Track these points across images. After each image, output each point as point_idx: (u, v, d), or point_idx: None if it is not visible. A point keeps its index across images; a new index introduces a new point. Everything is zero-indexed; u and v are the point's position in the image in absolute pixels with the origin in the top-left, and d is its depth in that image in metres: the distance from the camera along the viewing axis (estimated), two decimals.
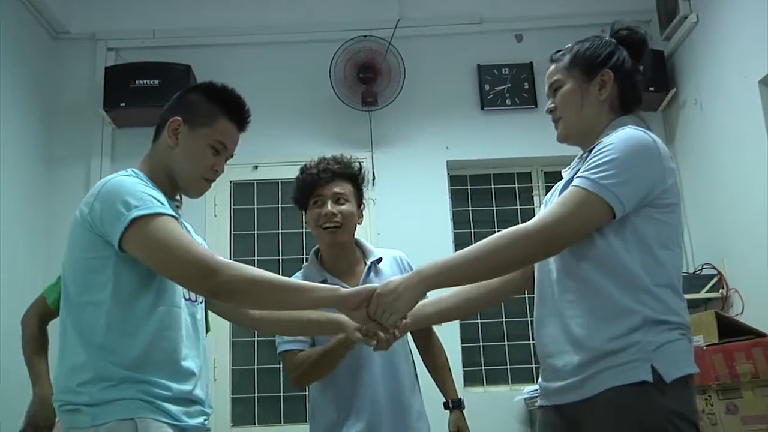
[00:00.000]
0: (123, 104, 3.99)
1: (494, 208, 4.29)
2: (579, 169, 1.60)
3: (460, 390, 3.69)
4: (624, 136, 1.56)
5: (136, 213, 1.51)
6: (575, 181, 1.55)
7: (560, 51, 1.75)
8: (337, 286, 1.72)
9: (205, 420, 1.65)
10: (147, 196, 1.55)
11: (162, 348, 1.56)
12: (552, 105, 1.72)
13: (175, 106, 1.71)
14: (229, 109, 1.72)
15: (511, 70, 4.30)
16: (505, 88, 4.28)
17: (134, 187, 1.56)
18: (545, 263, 1.68)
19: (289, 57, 4.36)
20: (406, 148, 4.22)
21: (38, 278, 3.73)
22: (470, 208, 4.28)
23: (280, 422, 3.94)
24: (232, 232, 4.17)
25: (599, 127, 1.66)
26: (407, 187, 4.12)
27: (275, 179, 4.24)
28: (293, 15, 4.36)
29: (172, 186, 1.69)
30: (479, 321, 4.09)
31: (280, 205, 4.23)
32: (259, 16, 4.35)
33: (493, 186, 4.34)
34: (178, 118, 1.67)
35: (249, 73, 4.28)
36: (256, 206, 4.21)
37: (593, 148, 1.60)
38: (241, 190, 4.23)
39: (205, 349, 1.73)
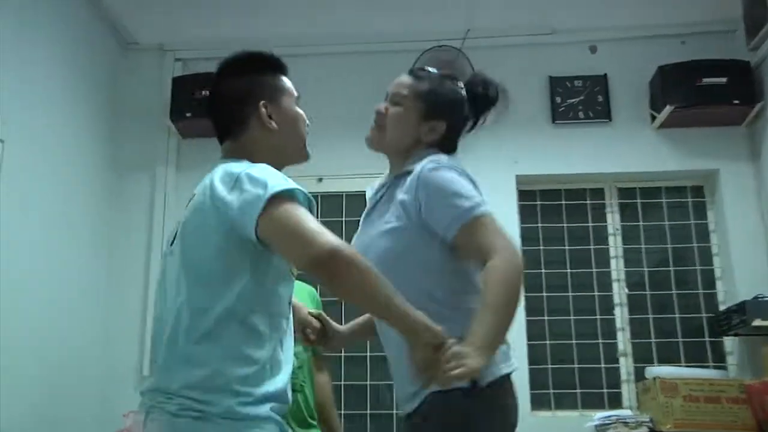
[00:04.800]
0: (189, 114, 3.99)
1: (565, 225, 4.14)
2: (398, 192, 1.73)
3: (528, 413, 3.68)
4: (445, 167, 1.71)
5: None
6: (473, 213, 1.64)
7: (423, 71, 1.86)
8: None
9: None
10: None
11: (279, 360, 1.52)
12: (384, 110, 1.82)
13: (242, 98, 1.68)
14: (277, 68, 1.76)
15: (584, 82, 4.16)
16: (577, 100, 4.14)
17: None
18: None
19: (356, 67, 4.29)
20: (472, 162, 3.80)
21: (101, 280, 3.84)
22: (540, 225, 4.15)
23: None
24: None
25: (407, 154, 1.80)
26: None
27: (340, 192, 4.18)
28: (361, 25, 4.28)
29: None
30: (548, 342, 3.95)
31: (344, 219, 4.16)
32: (326, 26, 4.29)
33: (564, 202, 4.19)
34: (264, 105, 1.67)
35: (315, 83, 4.13)
36: (320, 219, 4.09)
37: (405, 175, 1.73)
38: None
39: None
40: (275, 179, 1.47)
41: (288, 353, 1.57)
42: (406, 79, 1.85)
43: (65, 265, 3.53)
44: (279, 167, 1.63)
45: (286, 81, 1.75)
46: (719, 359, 3.84)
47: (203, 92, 3.87)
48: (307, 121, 1.76)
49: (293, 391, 2.29)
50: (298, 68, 4.15)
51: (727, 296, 3.85)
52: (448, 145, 1.85)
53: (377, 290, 1.44)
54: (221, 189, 1.48)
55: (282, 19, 4.29)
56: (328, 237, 1.40)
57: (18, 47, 3.21)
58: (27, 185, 3.21)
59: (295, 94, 1.75)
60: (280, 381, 1.51)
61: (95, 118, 3.97)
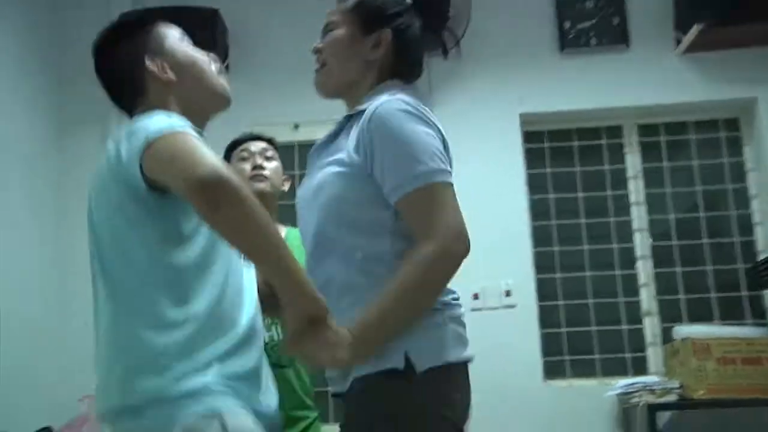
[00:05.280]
0: None
1: (578, 169, 3.94)
2: (351, 132, 1.56)
3: (540, 383, 3.62)
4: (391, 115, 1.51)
5: None
6: (424, 180, 1.45)
7: None
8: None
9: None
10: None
11: (223, 316, 1.45)
12: (319, 45, 1.71)
13: (127, 65, 1.63)
14: (147, 23, 1.68)
15: (596, 2, 3.88)
16: (589, 24, 3.89)
17: None
18: None
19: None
20: (471, 101, 3.87)
21: (47, 249, 3.66)
22: (548, 170, 3.95)
23: None
24: None
25: (362, 87, 1.65)
26: (473, 146, 3.70)
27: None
28: None
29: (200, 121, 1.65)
30: (561, 302, 3.82)
31: None
32: None
33: (576, 143, 3.98)
34: (151, 61, 1.61)
35: (286, 19, 3.95)
36: (297, 171, 3.87)
37: (359, 114, 1.55)
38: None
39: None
40: (162, 119, 1.44)
41: (244, 309, 1.48)
42: (332, 8, 1.75)
43: (5, 233, 3.30)
44: (202, 120, 1.64)
45: (164, 27, 1.68)
46: (759, 315, 3.70)
47: None
48: (214, 56, 1.69)
49: (280, 366, 2.23)
50: (267, 5, 3.92)
51: (767, 243, 3.72)
52: (406, 66, 1.68)
53: (268, 235, 1.33)
54: (112, 146, 1.47)
55: None
56: (222, 166, 1.33)
57: None
58: None
59: (179, 35, 1.68)
60: (230, 340, 1.42)
61: (36, 63, 3.73)
